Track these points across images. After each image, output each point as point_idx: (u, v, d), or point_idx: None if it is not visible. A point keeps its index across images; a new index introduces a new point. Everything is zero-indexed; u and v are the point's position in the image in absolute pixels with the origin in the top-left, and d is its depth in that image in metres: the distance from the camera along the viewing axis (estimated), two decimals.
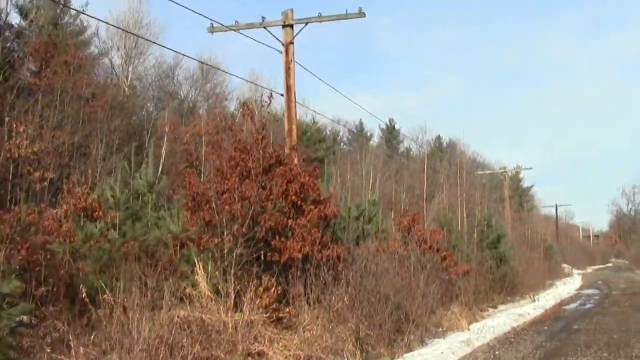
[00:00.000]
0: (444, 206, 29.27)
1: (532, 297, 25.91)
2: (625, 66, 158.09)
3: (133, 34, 32.03)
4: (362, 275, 13.89)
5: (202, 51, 44.84)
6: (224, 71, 36.58)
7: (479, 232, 27.39)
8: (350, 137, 67.12)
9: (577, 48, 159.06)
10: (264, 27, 17.24)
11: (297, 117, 51.97)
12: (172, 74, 40.40)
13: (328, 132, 58.81)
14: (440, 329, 16.67)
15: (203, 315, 9.79)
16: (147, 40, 32.13)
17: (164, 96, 37.52)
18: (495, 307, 23.88)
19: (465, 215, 27.92)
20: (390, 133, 68.66)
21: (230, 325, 9.91)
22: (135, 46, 35.69)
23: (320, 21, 17.28)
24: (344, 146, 63.51)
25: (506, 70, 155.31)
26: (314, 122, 53.46)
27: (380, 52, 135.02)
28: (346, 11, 17.36)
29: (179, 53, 33.34)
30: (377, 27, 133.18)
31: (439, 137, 70.21)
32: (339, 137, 63.95)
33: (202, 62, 34.81)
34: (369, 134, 67.02)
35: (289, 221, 13.13)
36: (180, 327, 9.23)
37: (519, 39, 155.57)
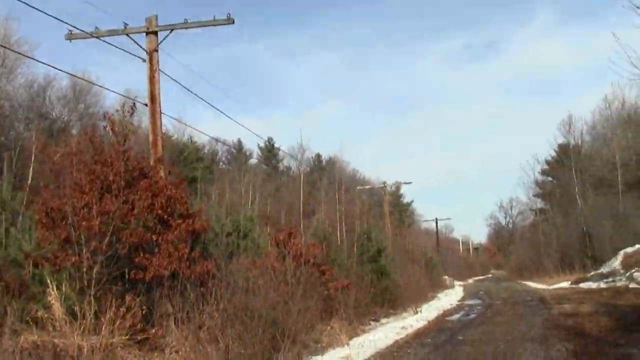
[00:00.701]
0: (322, 221, 29.27)
1: (414, 309, 26.17)
2: (500, 88, 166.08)
3: (3, 46, 30.31)
4: (233, 292, 13.45)
5: (75, 69, 43.74)
6: (94, 84, 35.49)
7: (359, 246, 27.54)
8: (229, 156, 67.06)
9: (454, 72, 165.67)
10: (127, 34, 16.57)
11: (175, 137, 50.54)
12: (43, 94, 39.58)
13: (206, 152, 58.66)
14: (320, 345, 16.45)
15: (56, 340, 9.15)
16: (18, 53, 30.66)
17: (35, 116, 36.38)
18: (377, 320, 23.95)
19: (344, 229, 27.99)
20: (270, 152, 68.86)
21: (86, 349, 9.31)
22: (2, 64, 34.13)
23: (187, 27, 16.66)
24: (223, 165, 63.37)
25: (387, 93, 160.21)
26: (191, 141, 53.08)
27: (262, 74, 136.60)
28: (214, 17, 16.90)
29: (50, 65, 31.67)
30: (257, 50, 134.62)
31: (318, 155, 71.05)
32: (217, 157, 64.14)
33: (73, 75, 33.69)
34: (248, 153, 67.19)
35: (155, 236, 12.66)
36: (29, 354, 8.58)
37: (397, 63, 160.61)
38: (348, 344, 16.22)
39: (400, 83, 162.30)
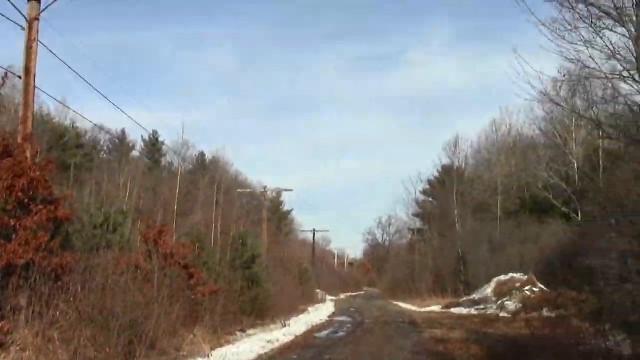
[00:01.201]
0: (199, 222, 28.73)
1: (283, 322, 26.01)
2: (392, 104, 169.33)
3: None
4: (90, 289, 12.85)
5: None
6: None
7: (233, 251, 27.21)
8: (111, 146, 65.26)
9: (346, 81, 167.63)
10: None
11: (57, 121, 48.25)
12: None
13: (88, 139, 57.05)
14: (182, 353, 16.00)
15: None
16: None
17: None
18: (244, 331, 23.64)
19: (219, 232, 27.59)
20: (154, 145, 67.33)
21: None
22: None
23: None
24: (104, 155, 61.68)
25: (277, 97, 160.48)
26: (73, 126, 51.37)
27: (156, 64, 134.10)
28: None
29: None
30: (149, 42, 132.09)
31: (202, 154, 70.17)
32: (99, 145, 62.48)
33: None
34: (131, 145, 65.47)
35: (13, 221, 11.93)
36: None
37: (290, 68, 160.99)
38: (210, 355, 15.86)
39: (291, 87, 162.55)
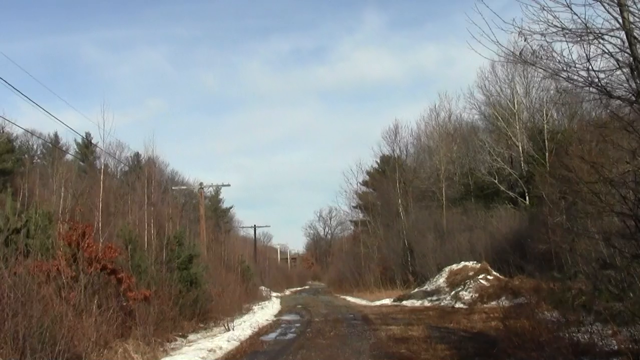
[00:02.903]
0: (132, 222, 26.41)
1: (227, 325, 23.93)
2: (327, 98, 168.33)
3: None
4: None
5: None
6: None
7: (169, 252, 25.13)
8: (44, 150, 63.12)
9: (279, 75, 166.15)
10: None
11: None
12: None
13: (19, 143, 55.16)
14: None
15: None
16: None
17: None
18: (185, 336, 21.68)
19: (153, 232, 25.40)
20: (87, 148, 65.10)
21: None
22: None
23: None
24: (38, 160, 59.79)
25: (210, 95, 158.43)
26: (2, 131, 49.19)
27: (86, 67, 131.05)
28: None
29: None
30: (79, 41, 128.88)
31: (137, 154, 68.31)
32: (33, 150, 61.93)
33: None
34: (64, 148, 63.34)
35: None
36: None
37: (220, 65, 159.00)
38: None
39: (223, 84, 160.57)
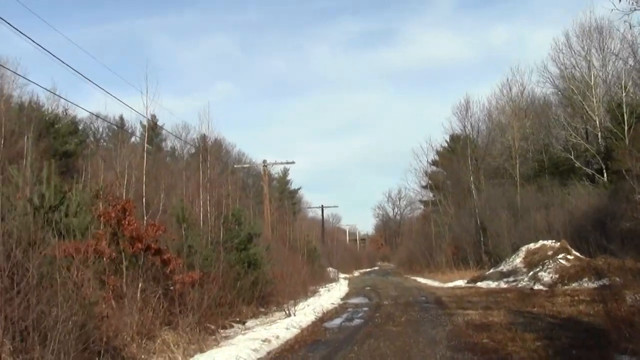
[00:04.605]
0: (181, 198, 24.28)
1: (287, 310, 21.64)
2: (395, 80, 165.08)
3: None
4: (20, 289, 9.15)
5: None
6: None
7: (226, 231, 23.06)
8: (110, 133, 62.41)
9: (348, 61, 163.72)
10: None
11: (46, 108, 44.29)
12: None
13: (83, 126, 55.17)
14: None
15: None
16: None
17: None
18: (243, 322, 19.65)
19: (210, 210, 23.27)
20: (153, 130, 64.06)
21: None
22: None
23: None
24: (104, 143, 59.10)
25: (279, 80, 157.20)
26: (66, 114, 48.36)
27: (154, 51, 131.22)
28: None
29: None
30: (148, 26, 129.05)
31: (204, 136, 66.81)
32: (99, 133, 61.59)
33: None
34: (130, 131, 62.63)
35: None
36: None
37: (290, 50, 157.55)
38: None
39: (291, 68, 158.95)
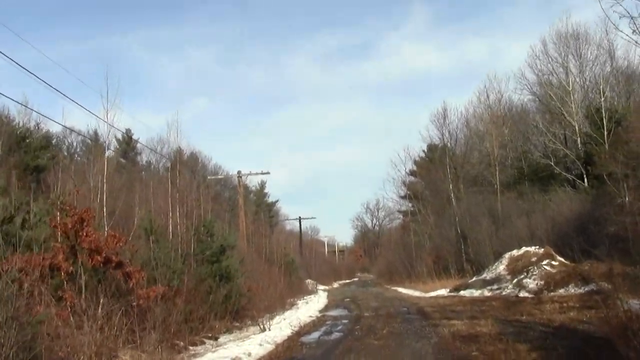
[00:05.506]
0: (155, 211, 23.09)
1: (262, 324, 20.35)
2: (373, 92, 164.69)
3: None
4: None
5: None
6: None
7: (198, 243, 21.88)
8: (84, 147, 61.07)
9: (325, 74, 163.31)
10: None
11: (16, 123, 43.27)
12: None
13: (56, 141, 53.49)
14: None
15: None
16: None
17: None
18: (215, 338, 18.47)
19: (179, 222, 22.09)
20: (128, 144, 62.77)
21: None
22: None
23: None
24: (78, 158, 57.78)
25: (256, 93, 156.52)
26: (38, 128, 47.14)
27: (131, 67, 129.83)
28: None
29: None
30: (125, 43, 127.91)
31: (180, 149, 65.80)
32: (73, 147, 59.32)
33: None
34: (105, 145, 61.12)
35: None
36: None
37: (267, 64, 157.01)
38: None
39: (269, 81, 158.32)
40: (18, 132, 42.68)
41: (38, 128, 48.02)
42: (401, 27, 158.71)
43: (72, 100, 15.82)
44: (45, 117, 55.78)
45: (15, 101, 46.18)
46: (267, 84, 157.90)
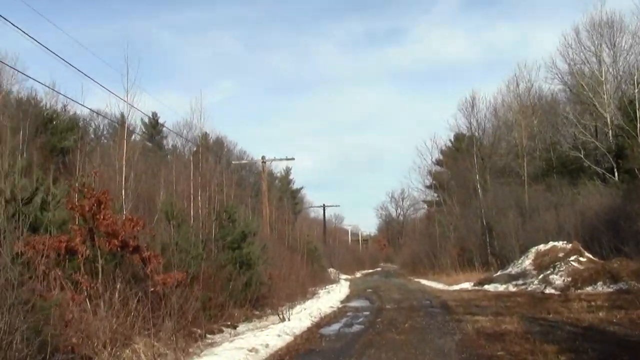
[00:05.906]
0: (178, 195, 22.82)
1: (282, 314, 20.00)
2: (400, 79, 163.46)
3: None
4: None
5: None
6: None
7: (219, 229, 21.57)
8: (111, 130, 61.26)
9: (352, 60, 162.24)
10: None
11: (43, 104, 43.45)
12: None
13: (83, 123, 53.66)
14: None
15: None
16: None
17: None
18: (234, 326, 18.14)
19: (202, 206, 21.81)
20: (154, 128, 62.73)
21: None
22: None
23: None
24: (105, 140, 58.02)
25: (283, 78, 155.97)
26: (65, 110, 47.34)
27: (157, 50, 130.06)
28: None
29: None
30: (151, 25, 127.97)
31: (205, 134, 65.75)
32: (100, 130, 59.31)
33: None
34: (131, 128, 61.34)
35: None
36: None
37: (294, 48, 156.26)
38: None
39: (296, 66, 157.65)
40: (45, 114, 42.80)
41: (65, 110, 48.18)
42: (432, 11, 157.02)
43: (93, 80, 15.53)
44: (71, 99, 55.94)
45: (42, 83, 46.49)
46: (293, 69, 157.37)
